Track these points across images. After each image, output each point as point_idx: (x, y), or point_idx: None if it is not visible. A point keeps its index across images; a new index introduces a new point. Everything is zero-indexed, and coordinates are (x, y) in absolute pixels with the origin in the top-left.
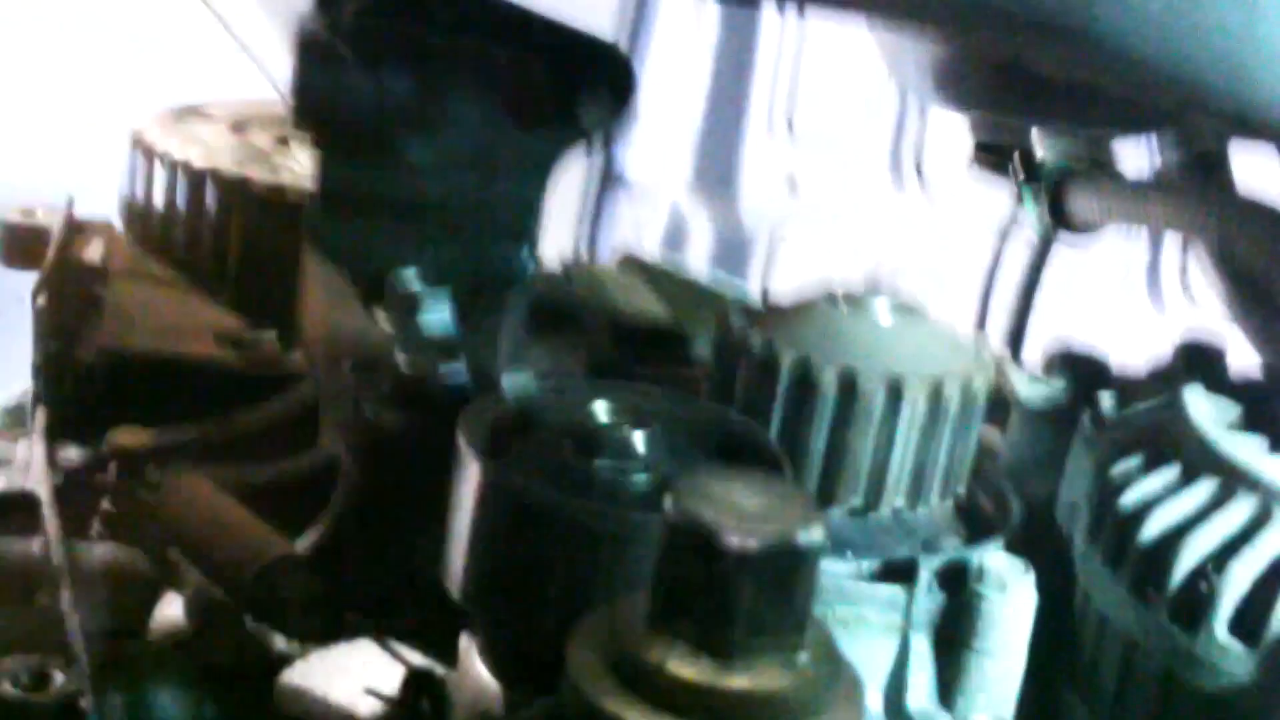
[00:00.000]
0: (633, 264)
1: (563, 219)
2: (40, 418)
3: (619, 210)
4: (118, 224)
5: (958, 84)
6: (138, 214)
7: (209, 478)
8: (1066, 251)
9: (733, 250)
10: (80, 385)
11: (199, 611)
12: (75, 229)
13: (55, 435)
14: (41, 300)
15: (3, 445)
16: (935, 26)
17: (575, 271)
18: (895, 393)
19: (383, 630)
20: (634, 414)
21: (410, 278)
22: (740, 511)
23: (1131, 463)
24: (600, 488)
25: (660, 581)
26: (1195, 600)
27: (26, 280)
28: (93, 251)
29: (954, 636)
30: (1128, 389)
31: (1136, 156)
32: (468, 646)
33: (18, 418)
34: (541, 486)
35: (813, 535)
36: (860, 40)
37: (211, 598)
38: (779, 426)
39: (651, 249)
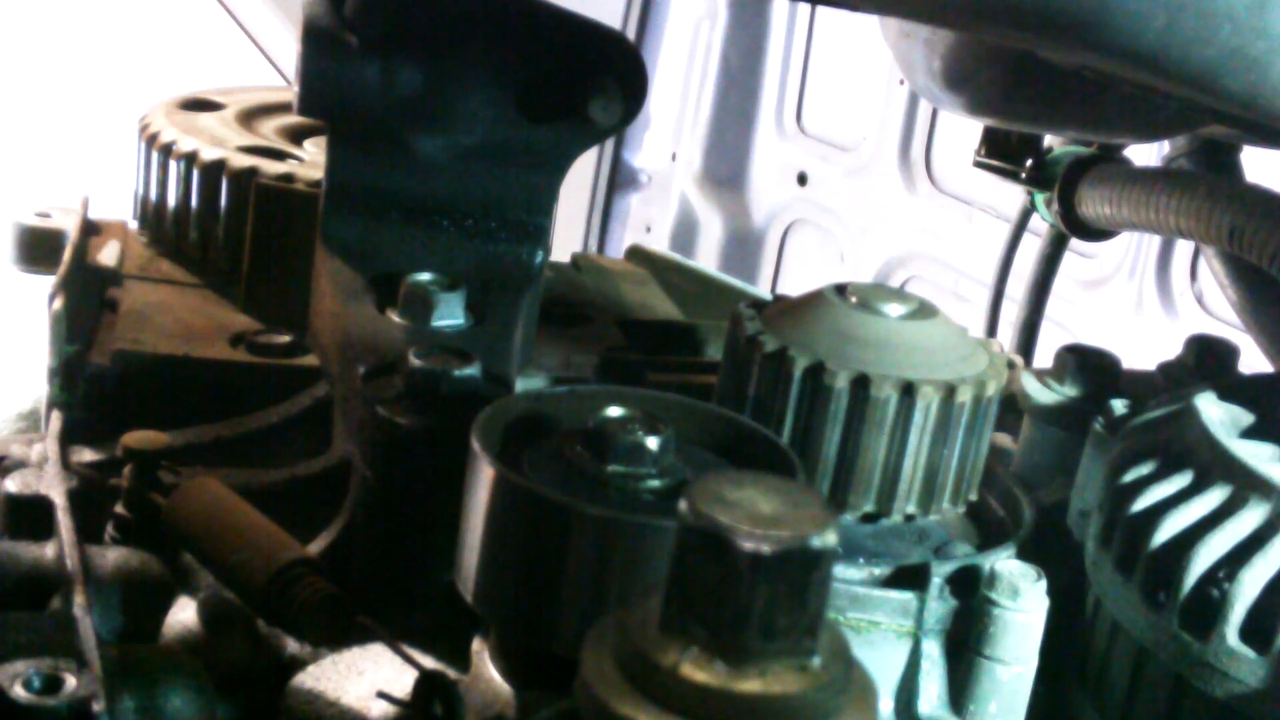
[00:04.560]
0: (643, 259)
1: (573, 214)
2: (54, 421)
3: (629, 206)
4: (131, 223)
5: (970, 91)
6: (150, 211)
7: (222, 480)
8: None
9: (742, 246)
10: (94, 388)
11: (211, 615)
12: (90, 230)
13: (69, 439)
14: (57, 304)
15: (17, 448)
16: (947, 21)
17: (586, 267)
18: (908, 396)
19: (395, 633)
20: (646, 418)
21: (424, 280)
22: (754, 515)
23: (1143, 469)
24: (613, 491)
25: (673, 584)
26: (1206, 606)
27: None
28: (107, 254)
29: (965, 642)
30: (1140, 393)
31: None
32: (480, 649)
33: (32, 421)
34: (554, 490)
35: (827, 538)
36: (870, 38)
37: (224, 601)
38: (791, 429)
39: (661, 245)
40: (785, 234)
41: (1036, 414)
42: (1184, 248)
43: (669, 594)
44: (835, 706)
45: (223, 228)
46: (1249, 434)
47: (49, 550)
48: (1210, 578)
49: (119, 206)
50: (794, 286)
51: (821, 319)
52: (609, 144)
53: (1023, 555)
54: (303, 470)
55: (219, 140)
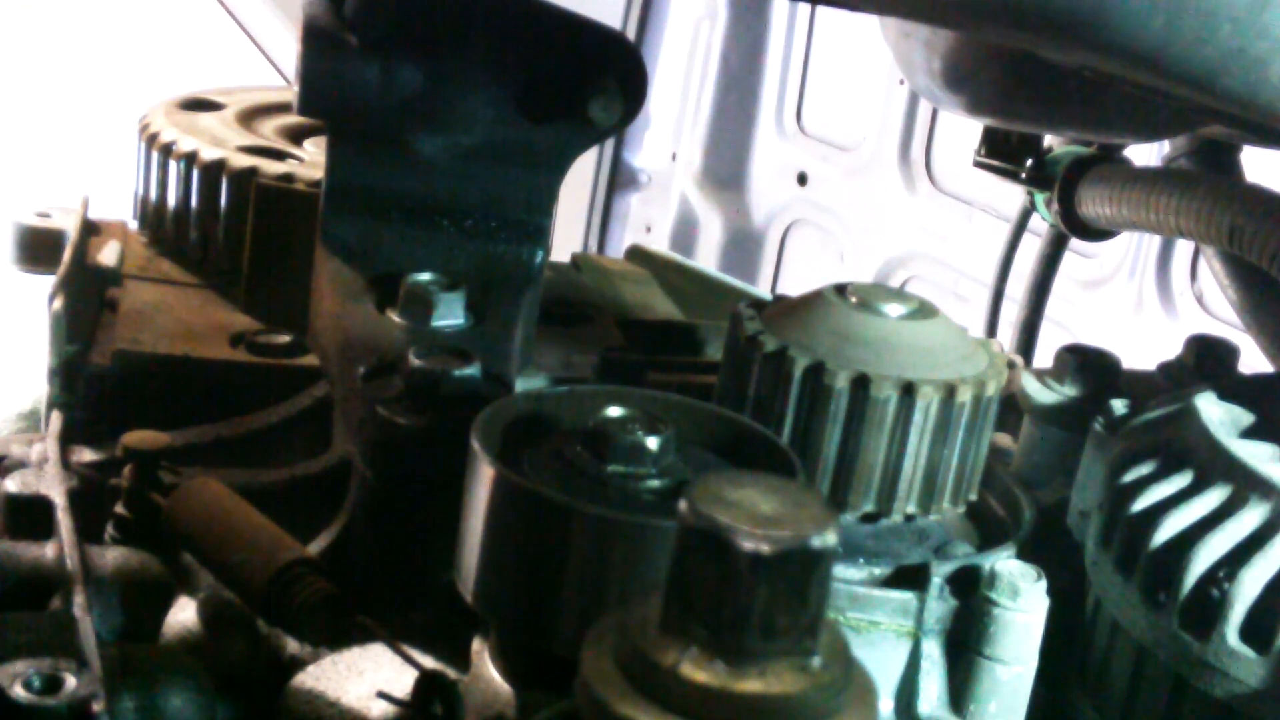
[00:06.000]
0: (643, 259)
1: (573, 214)
2: (54, 421)
3: (629, 206)
4: (131, 223)
5: (970, 91)
6: (150, 211)
7: (222, 480)
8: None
9: (742, 246)
10: (94, 388)
11: (211, 615)
12: (90, 230)
13: (69, 438)
14: (57, 304)
15: (17, 448)
16: (947, 21)
17: (586, 267)
18: (908, 396)
19: (395, 633)
20: (646, 418)
21: (424, 280)
22: (754, 514)
23: (1143, 469)
24: (613, 491)
25: (674, 584)
26: (1206, 606)
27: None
28: (107, 254)
29: (965, 642)
30: (1140, 393)
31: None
32: (480, 649)
33: (32, 421)
34: (554, 490)
35: (827, 538)
36: (870, 38)
37: (224, 601)
38: (791, 429)
39: (661, 245)
40: (785, 234)
41: (1036, 414)
42: (1184, 248)
43: (669, 594)
44: (835, 706)
45: (223, 228)
46: (1249, 434)
47: (49, 550)
48: (1210, 578)
49: (119, 206)
50: (794, 286)
51: (821, 319)
52: (609, 144)
53: (1023, 555)
54: (303, 470)
55: (219, 140)
